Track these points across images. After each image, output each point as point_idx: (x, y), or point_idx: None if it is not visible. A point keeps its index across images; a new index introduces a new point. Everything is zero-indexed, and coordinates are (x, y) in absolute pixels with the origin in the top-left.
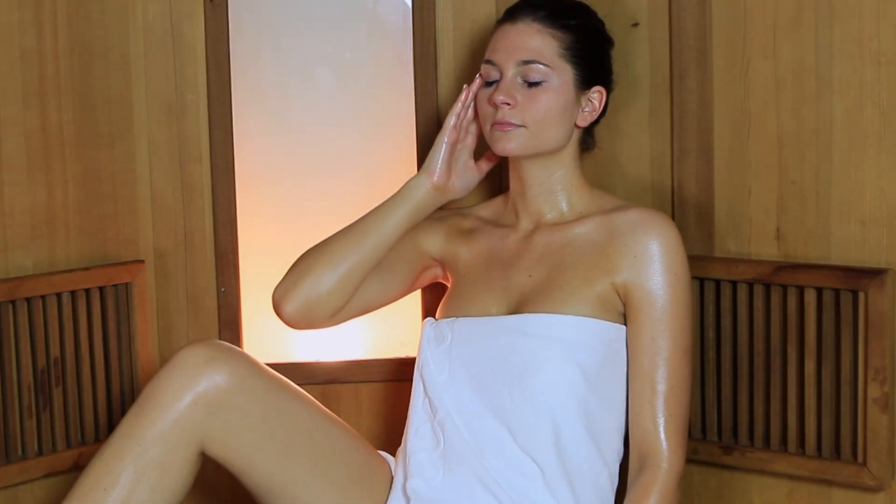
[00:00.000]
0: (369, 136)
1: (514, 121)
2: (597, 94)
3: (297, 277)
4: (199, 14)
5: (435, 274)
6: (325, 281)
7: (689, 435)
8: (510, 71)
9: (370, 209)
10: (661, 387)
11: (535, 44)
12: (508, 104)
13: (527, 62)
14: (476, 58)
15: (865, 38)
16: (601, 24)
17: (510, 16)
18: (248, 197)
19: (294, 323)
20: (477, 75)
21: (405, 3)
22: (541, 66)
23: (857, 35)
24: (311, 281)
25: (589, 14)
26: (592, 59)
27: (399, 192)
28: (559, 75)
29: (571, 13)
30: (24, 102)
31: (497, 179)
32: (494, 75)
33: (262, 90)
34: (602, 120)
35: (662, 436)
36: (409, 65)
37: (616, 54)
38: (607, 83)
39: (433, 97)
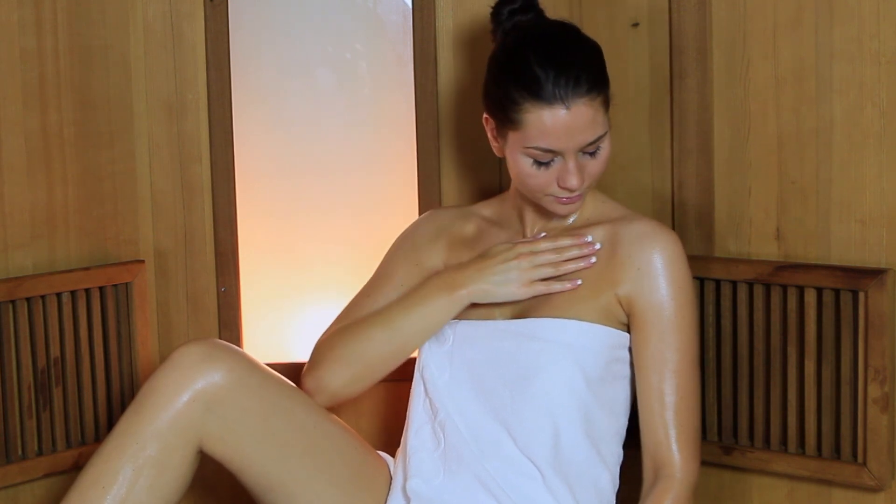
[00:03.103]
0: (369, 136)
1: (581, 192)
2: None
3: (332, 378)
4: (199, 14)
5: None
6: (356, 384)
7: None
8: (574, 152)
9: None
10: (671, 399)
11: (592, 121)
12: (581, 182)
13: (592, 143)
14: (476, 57)
15: (865, 38)
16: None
17: (553, 98)
18: (248, 197)
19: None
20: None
21: (405, 3)
22: (602, 136)
23: (857, 35)
24: (344, 384)
25: (595, 52)
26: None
27: (444, 304)
28: (606, 124)
29: (595, 67)
30: (24, 102)
31: (497, 179)
32: (549, 157)
33: (262, 90)
34: None
35: (675, 447)
36: (409, 65)
37: (616, 54)
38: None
39: (433, 97)
